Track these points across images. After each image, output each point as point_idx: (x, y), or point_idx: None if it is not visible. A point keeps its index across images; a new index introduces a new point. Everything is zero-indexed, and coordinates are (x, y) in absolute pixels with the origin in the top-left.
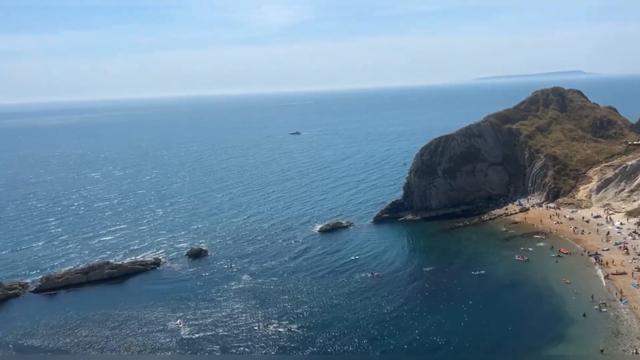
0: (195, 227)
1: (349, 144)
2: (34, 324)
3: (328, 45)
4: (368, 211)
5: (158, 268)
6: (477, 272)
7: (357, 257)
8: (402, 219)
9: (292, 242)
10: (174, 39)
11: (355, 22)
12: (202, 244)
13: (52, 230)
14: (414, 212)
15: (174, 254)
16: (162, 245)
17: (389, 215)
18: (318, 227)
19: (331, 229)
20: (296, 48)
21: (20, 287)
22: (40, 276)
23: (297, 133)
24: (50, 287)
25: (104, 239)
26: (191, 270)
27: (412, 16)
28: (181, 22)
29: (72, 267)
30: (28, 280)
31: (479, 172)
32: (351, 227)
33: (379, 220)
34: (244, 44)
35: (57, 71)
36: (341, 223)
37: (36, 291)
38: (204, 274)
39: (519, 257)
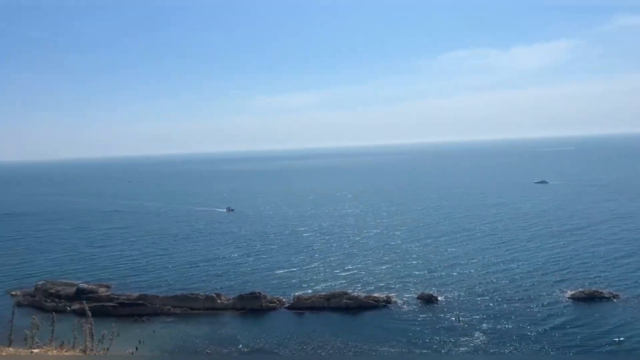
0: (431, 272)
1: (621, 199)
2: (286, 337)
3: (594, 86)
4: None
5: (389, 306)
6: None
7: (621, 338)
8: None
9: (534, 306)
10: (421, 90)
11: (629, 58)
12: (434, 291)
13: (311, 256)
14: None
15: (406, 295)
16: (396, 285)
17: None
18: (570, 292)
19: (587, 297)
20: (554, 91)
21: (278, 302)
22: (293, 295)
23: (544, 182)
24: (299, 307)
25: (348, 269)
26: (421, 315)
27: None
28: (429, 73)
29: (318, 291)
30: (284, 297)
31: None
32: (615, 300)
33: None
34: (494, 88)
35: (325, 120)
36: (601, 292)
37: (289, 308)
38: (433, 321)
39: None
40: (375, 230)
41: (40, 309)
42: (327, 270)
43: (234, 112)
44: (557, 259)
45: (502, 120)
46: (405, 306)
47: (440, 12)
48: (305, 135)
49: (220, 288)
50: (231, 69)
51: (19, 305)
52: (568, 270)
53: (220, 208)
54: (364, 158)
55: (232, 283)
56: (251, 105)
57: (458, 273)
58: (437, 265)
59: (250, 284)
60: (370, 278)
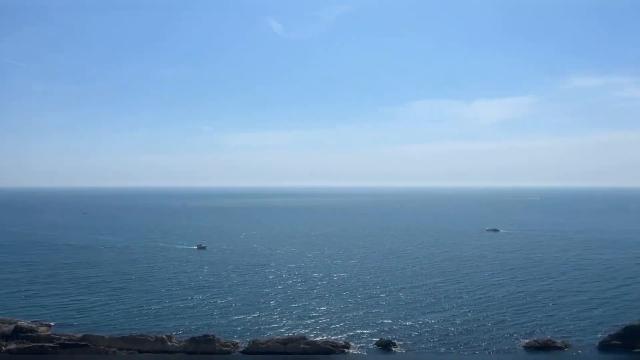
0: (393, 318)
1: (571, 248)
2: None
3: (547, 142)
4: (591, 332)
5: (347, 351)
6: None
7: None
8: (638, 350)
9: (486, 353)
10: (390, 136)
11: (583, 117)
12: (393, 337)
13: (273, 298)
14: None
15: (365, 341)
16: (357, 331)
17: (621, 343)
18: (524, 341)
19: (540, 347)
20: (512, 144)
21: (232, 346)
22: (249, 339)
23: (495, 230)
24: (254, 351)
25: (309, 313)
26: None
27: None
28: (397, 120)
29: (276, 335)
30: (239, 341)
31: None
32: (567, 349)
33: (605, 347)
34: (459, 138)
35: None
36: (554, 342)
37: (244, 352)
38: None
39: None
40: (343, 274)
41: None
42: (288, 313)
43: (205, 148)
44: (508, 307)
45: (466, 168)
46: (362, 352)
47: (410, 64)
48: (278, 174)
49: (173, 330)
50: (199, 104)
51: None
52: (521, 318)
53: (190, 245)
54: (334, 199)
55: (186, 325)
56: (222, 141)
57: (418, 319)
58: (399, 311)
59: (205, 326)
60: (332, 323)
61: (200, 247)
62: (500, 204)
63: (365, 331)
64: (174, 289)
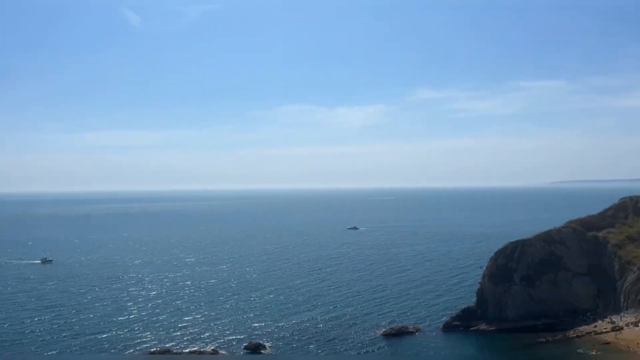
0: (260, 319)
1: (420, 242)
2: None
3: (403, 146)
4: (438, 316)
5: (215, 357)
6: None
7: None
8: (474, 328)
9: (352, 344)
10: (255, 139)
11: (430, 125)
12: (263, 339)
13: (136, 310)
14: (487, 321)
15: (233, 347)
16: (225, 337)
17: (460, 324)
18: (382, 330)
19: (396, 334)
20: (372, 148)
21: None
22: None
23: (355, 228)
24: None
25: (176, 323)
26: None
27: (487, 119)
28: (263, 124)
29: (137, 351)
30: None
31: (561, 283)
32: (417, 333)
33: (448, 328)
34: (321, 143)
35: (154, 163)
36: (407, 328)
37: None
38: None
39: None
40: (212, 280)
41: None
42: (152, 327)
43: (53, 148)
44: (370, 300)
45: (330, 171)
46: (231, 357)
47: (276, 69)
48: (136, 176)
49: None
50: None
51: None
52: (381, 309)
53: (32, 259)
54: (199, 203)
55: (31, 351)
56: (72, 141)
57: (289, 320)
58: (270, 313)
59: (52, 351)
60: (201, 332)
61: (46, 261)
62: (360, 204)
63: (235, 337)
64: (10, 310)
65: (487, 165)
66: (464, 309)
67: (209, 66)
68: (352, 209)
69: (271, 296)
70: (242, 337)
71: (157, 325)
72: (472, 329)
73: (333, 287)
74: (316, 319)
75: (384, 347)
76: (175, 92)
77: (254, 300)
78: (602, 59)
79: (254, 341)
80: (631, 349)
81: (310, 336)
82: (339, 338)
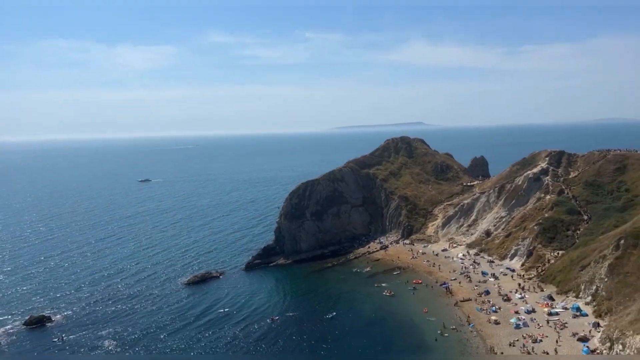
0: (45, 290)
1: (219, 191)
2: None
3: (195, 91)
4: (240, 258)
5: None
6: (344, 311)
7: (226, 309)
8: (273, 263)
9: (155, 299)
10: (13, 79)
11: (222, 70)
12: (47, 311)
13: None
14: (285, 256)
15: (10, 323)
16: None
17: (261, 261)
18: (186, 279)
19: (200, 280)
20: (160, 93)
21: None
22: None
23: (147, 180)
24: None
25: None
26: (27, 342)
27: (276, 68)
28: (23, 61)
29: None
30: None
31: (343, 214)
32: (222, 277)
33: (250, 267)
34: (99, 86)
35: None
36: (211, 273)
37: None
38: (46, 344)
39: (387, 292)
40: None
41: None
42: None
43: None
44: (175, 253)
45: (114, 118)
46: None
47: None
48: None
49: None
50: None
51: None
52: (185, 260)
53: None
54: None
55: None
56: None
57: (74, 282)
58: (53, 282)
59: None
60: None
61: None
62: (152, 154)
63: (12, 311)
64: None
65: (278, 112)
66: (264, 247)
67: None
68: (142, 161)
69: (66, 264)
70: (25, 310)
71: None
72: (271, 264)
73: (134, 246)
74: (115, 281)
75: (186, 294)
76: None
77: (43, 271)
78: (371, 16)
79: (36, 315)
80: (394, 261)
81: (108, 298)
82: (140, 295)
